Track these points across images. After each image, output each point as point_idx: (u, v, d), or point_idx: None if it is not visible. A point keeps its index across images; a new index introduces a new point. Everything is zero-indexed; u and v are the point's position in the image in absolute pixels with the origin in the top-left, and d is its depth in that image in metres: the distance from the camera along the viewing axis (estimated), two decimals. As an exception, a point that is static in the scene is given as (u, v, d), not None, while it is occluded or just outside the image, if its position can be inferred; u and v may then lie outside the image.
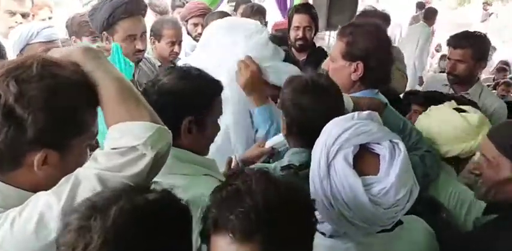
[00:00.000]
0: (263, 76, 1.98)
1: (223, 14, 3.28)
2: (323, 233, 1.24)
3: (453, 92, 2.84)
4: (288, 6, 5.58)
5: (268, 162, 1.96)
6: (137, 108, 1.07)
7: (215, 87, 1.48)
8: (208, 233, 0.93)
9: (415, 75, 6.30)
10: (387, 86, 2.62)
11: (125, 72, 1.80)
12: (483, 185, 1.45)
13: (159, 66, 2.79)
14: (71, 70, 1.03)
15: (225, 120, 1.88)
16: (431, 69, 8.44)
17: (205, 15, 3.48)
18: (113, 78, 1.09)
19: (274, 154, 1.91)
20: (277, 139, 1.88)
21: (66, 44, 2.77)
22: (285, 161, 1.61)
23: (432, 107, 1.95)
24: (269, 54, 2.05)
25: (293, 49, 3.37)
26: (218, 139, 1.63)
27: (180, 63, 2.65)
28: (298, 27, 3.32)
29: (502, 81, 6.67)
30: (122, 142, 1.02)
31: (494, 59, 8.66)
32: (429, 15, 7.26)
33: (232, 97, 1.95)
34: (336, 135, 1.19)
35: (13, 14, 2.88)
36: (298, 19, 3.34)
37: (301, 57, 3.33)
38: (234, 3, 4.89)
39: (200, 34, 3.40)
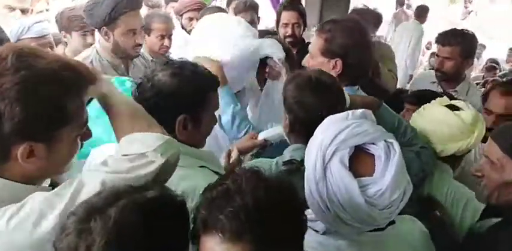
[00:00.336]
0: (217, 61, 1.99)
1: (219, 10, 3.30)
2: (316, 231, 1.24)
3: (441, 89, 2.88)
4: (281, 1, 5.60)
5: (260, 154, 1.96)
6: (149, 128, 1.12)
7: (210, 83, 1.48)
8: (197, 233, 0.93)
9: (407, 74, 6.34)
10: (377, 85, 2.69)
11: None
12: (486, 187, 1.43)
13: (151, 60, 2.81)
14: (49, 60, 1.00)
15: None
16: (422, 67, 8.51)
17: (200, 9, 3.49)
18: (126, 102, 1.17)
19: (266, 146, 1.92)
20: (271, 132, 1.89)
21: (57, 38, 2.78)
22: (286, 156, 1.61)
23: (425, 105, 1.94)
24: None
25: (283, 46, 3.39)
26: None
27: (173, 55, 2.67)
28: (286, 24, 3.33)
29: (491, 79, 6.74)
30: (133, 149, 1.04)
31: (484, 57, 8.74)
32: (421, 13, 7.29)
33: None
34: (332, 136, 1.17)
35: (12, 9, 2.86)
36: (287, 16, 3.34)
37: (291, 53, 3.35)
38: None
39: (195, 28, 3.46)
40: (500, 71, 8.11)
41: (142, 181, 0.99)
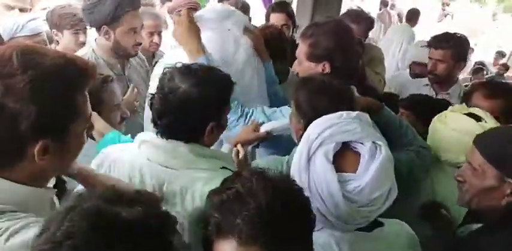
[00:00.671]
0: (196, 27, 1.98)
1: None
2: None
3: (434, 92, 2.93)
4: (273, 1, 5.61)
5: (257, 146, 1.98)
6: None
7: (230, 87, 1.47)
8: (211, 238, 0.93)
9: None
10: (367, 88, 2.70)
11: None
12: (467, 192, 1.43)
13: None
14: (52, 57, 1.01)
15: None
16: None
17: (194, 9, 3.47)
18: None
19: (266, 139, 1.92)
20: (274, 124, 1.88)
21: (48, 36, 2.72)
22: None
23: (446, 112, 1.91)
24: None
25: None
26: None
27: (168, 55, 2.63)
28: None
29: (479, 81, 6.83)
30: None
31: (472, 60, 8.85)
32: (412, 17, 7.37)
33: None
34: (319, 131, 1.21)
35: (11, 8, 2.83)
36: (275, 18, 3.34)
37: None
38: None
39: (189, 27, 3.44)
40: (487, 73, 8.23)
41: None
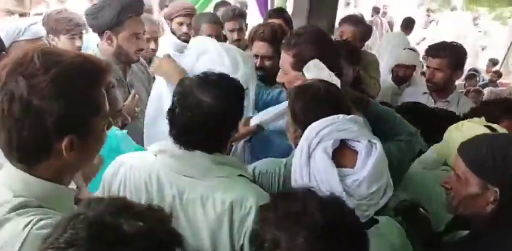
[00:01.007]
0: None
1: (214, 16, 3.30)
2: None
3: (433, 100, 2.96)
4: (269, 8, 5.63)
5: (249, 141, 2.00)
6: None
7: (244, 96, 1.48)
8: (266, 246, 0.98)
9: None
10: (361, 91, 2.73)
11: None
12: (454, 199, 1.45)
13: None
14: (70, 56, 1.06)
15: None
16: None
17: (190, 15, 3.48)
18: None
19: (257, 132, 1.93)
20: (263, 116, 1.89)
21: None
22: None
23: (465, 122, 1.92)
24: None
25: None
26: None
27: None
28: None
29: (472, 89, 6.92)
30: None
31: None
32: (407, 25, 7.47)
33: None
34: (318, 129, 1.28)
35: (11, 13, 2.84)
36: None
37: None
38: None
39: (185, 33, 3.44)
40: (479, 79, 8.33)
41: None
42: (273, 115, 1.87)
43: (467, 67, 7.96)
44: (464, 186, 1.39)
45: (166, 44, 3.39)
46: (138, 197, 1.37)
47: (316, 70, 1.81)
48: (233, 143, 1.91)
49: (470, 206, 1.40)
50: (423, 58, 4.37)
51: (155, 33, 3.07)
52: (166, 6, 4.32)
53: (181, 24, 3.50)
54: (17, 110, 0.99)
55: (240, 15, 3.50)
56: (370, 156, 1.23)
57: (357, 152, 1.26)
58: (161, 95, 2.09)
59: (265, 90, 2.31)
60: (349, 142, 1.28)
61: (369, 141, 1.27)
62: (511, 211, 1.32)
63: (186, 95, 1.37)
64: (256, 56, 2.58)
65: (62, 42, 2.73)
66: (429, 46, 3.01)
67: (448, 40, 3.14)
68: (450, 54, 2.85)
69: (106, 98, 1.12)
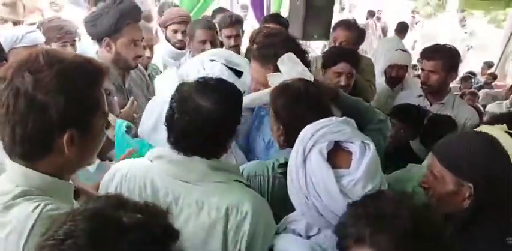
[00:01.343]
0: None
1: (208, 22, 3.33)
2: (300, 235, 1.33)
3: (428, 102, 2.97)
4: (265, 14, 5.67)
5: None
6: None
7: (242, 99, 1.50)
8: (347, 243, 1.06)
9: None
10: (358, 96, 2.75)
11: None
12: (432, 198, 1.49)
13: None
14: (71, 56, 1.12)
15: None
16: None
17: (185, 22, 3.49)
18: None
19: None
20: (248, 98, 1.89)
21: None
22: (282, 159, 1.67)
23: (484, 127, 1.94)
24: None
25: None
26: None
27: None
28: None
29: (468, 91, 6.95)
30: None
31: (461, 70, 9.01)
32: (402, 29, 7.58)
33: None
34: (313, 131, 1.30)
35: (4, 21, 2.85)
36: None
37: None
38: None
39: (180, 41, 3.46)
40: (474, 81, 8.37)
41: None
42: (251, 98, 1.89)
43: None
44: (441, 184, 1.44)
45: (162, 51, 3.42)
46: None
47: (290, 64, 1.85)
48: None
49: (448, 204, 1.45)
50: (418, 61, 4.39)
51: (150, 41, 3.08)
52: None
53: (175, 31, 3.52)
54: (22, 105, 1.03)
55: (237, 21, 3.53)
56: (364, 156, 1.25)
57: (350, 153, 1.28)
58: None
59: None
60: (342, 143, 1.30)
61: (362, 142, 1.29)
62: (486, 205, 1.37)
63: (185, 100, 1.37)
64: None
65: (53, 50, 2.75)
66: (423, 49, 3.01)
67: (437, 41, 3.14)
68: (444, 56, 2.86)
69: (104, 98, 1.16)
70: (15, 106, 1.04)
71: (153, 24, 4.00)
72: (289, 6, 4.49)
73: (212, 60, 2.10)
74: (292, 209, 1.36)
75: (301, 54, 1.96)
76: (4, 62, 2.04)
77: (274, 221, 1.41)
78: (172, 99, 1.41)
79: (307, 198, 1.24)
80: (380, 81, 3.75)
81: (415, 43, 10.44)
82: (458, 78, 8.05)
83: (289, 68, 1.82)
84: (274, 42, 2.04)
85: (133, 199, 1.32)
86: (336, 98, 1.99)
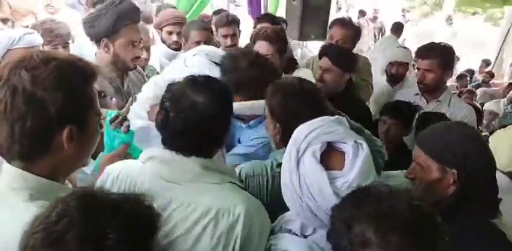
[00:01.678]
0: None
1: (203, 23, 3.33)
2: (295, 234, 1.33)
3: (425, 100, 2.98)
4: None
5: None
6: None
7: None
8: (352, 246, 1.03)
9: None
10: (352, 94, 2.76)
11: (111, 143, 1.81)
12: (419, 187, 1.54)
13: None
14: (66, 55, 1.15)
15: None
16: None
17: (180, 23, 3.49)
18: None
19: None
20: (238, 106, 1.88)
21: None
22: (280, 159, 1.63)
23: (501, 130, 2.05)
24: None
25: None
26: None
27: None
28: None
29: (465, 89, 6.97)
30: None
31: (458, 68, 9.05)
32: (397, 29, 7.67)
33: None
34: (306, 132, 1.29)
35: None
36: None
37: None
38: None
39: (175, 42, 3.46)
40: (471, 79, 8.38)
41: None
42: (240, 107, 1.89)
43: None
44: (426, 173, 1.50)
45: (158, 53, 3.43)
46: None
47: None
48: None
49: (434, 192, 1.50)
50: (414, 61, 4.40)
51: (147, 42, 3.09)
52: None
53: (170, 33, 3.51)
54: (20, 102, 1.04)
55: (233, 21, 3.53)
56: (357, 157, 1.24)
57: (343, 153, 1.28)
58: None
59: None
60: (335, 143, 1.29)
61: (355, 142, 1.28)
62: (470, 191, 1.44)
63: (179, 98, 1.35)
64: None
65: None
66: (418, 48, 3.01)
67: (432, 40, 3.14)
68: (440, 54, 2.87)
69: (97, 97, 1.18)
70: (13, 104, 1.04)
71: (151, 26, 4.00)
72: (286, 6, 4.50)
73: (194, 55, 2.10)
74: (291, 208, 1.36)
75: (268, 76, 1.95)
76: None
77: (270, 222, 1.39)
78: (163, 99, 1.39)
79: (301, 199, 1.24)
80: (380, 80, 3.75)
81: (404, 41, 10.46)
82: (455, 77, 8.09)
83: None
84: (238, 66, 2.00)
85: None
86: None
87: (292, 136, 1.33)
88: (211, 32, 3.34)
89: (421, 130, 2.51)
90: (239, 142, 2.09)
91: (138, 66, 2.62)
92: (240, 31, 3.67)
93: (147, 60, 3.10)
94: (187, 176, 1.34)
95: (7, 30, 2.95)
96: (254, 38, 2.76)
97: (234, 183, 1.40)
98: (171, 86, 1.40)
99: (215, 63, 2.06)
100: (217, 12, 4.64)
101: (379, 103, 3.40)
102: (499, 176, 1.54)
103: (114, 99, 2.26)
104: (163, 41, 3.57)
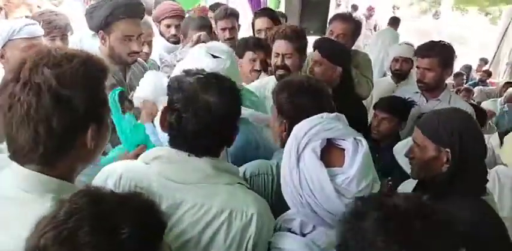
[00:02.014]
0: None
1: (201, 21, 3.30)
2: (295, 233, 1.33)
3: (425, 98, 2.98)
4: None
5: None
6: None
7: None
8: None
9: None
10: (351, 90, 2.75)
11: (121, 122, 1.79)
12: (416, 165, 1.74)
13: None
14: (80, 51, 1.11)
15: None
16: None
17: (178, 16, 3.47)
18: None
19: None
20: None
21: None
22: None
23: None
24: None
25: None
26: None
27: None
28: (260, 31, 3.43)
29: (463, 87, 6.99)
30: None
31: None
32: (394, 22, 7.67)
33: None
34: (306, 129, 1.29)
35: None
36: (259, 23, 3.45)
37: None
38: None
39: (173, 35, 3.44)
40: (468, 77, 8.41)
41: None
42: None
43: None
44: (424, 152, 1.69)
45: (157, 46, 3.40)
46: None
47: None
48: None
49: (430, 169, 1.69)
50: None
51: (148, 37, 3.04)
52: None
53: (169, 26, 3.49)
54: (47, 101, 0.99)
55: (232, 14, 3.51)
56: (357, 153, 1.25)
57: (343, 150, 1.28)
58: None
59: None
60: (335, 140, 1.29)
61: (355, 138, 1.28)
62: (462, 168, 1.62)
63: (192, 98, 1.31)
64: (277, 54, 2.65)
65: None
66: (418, 47, 3.01)
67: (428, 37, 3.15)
68: (439, 53, 2.86)
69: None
70: (38, 104, 0.98)
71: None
72: (285, 1, 4.49)
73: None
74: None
75: None
76: None
77: (274, 221, 1.40)
78: (174, 100, 1.34)
79: (301, 196, 1.24)
80: (386, 78, 3.74)
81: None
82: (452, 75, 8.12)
83: None
84: None
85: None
86: None
87: (292, 132, 1.33)
88: (211, 27, 3.32)
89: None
90: None
91: (141, 60, 2.59)
92: (239, 25, 3.66)
93: (148, 54, 3.06)
94: (199, 177, 1.31)
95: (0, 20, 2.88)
96: (273, 37, 2.74)
97: (243, 184, 1.39)
98: (180, 86, 1.34)
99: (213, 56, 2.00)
100: (214, 6, 4.60)
101: None
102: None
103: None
104: (162, 34, 3.55)
